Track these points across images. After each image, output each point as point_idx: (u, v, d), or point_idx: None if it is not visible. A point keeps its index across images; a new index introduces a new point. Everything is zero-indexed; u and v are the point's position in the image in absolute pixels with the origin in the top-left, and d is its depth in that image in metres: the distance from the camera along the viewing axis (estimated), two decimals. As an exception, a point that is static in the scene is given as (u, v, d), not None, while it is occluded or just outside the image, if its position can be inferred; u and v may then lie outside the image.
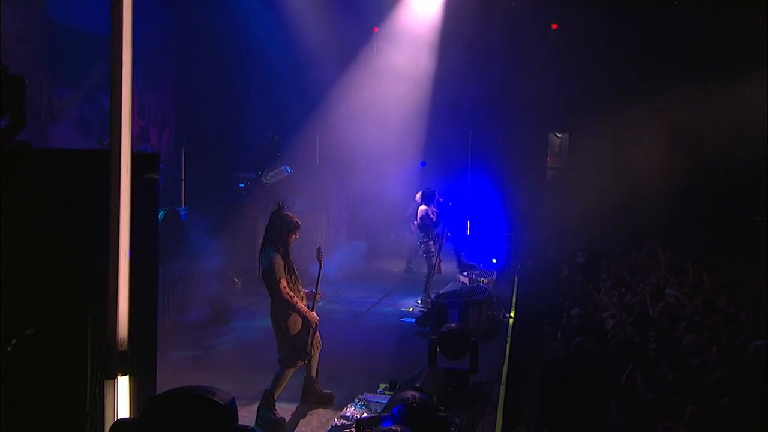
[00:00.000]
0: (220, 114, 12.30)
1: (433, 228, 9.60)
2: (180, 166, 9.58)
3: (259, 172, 11.31)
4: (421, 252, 9.79)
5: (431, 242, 9.60)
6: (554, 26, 15.02)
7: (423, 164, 13.79)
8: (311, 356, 5.60)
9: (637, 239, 12.59)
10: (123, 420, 2.92)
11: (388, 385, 6.10)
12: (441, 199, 9.98)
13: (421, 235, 9.67)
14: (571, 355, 6.16)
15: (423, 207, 9.67)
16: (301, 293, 5.52)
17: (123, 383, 3.06)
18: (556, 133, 17.27)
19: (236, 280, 9.93)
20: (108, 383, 3.03)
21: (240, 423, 2.83)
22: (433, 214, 9.60)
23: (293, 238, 5.51)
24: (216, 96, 12.24)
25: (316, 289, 5.60)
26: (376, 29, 14.00)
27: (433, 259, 9.62)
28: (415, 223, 9.82)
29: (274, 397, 5.40)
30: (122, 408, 3.08)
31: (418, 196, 9.87)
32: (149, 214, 3.47)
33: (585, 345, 6.28)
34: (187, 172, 9.58)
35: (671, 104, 13.71)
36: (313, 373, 5.83)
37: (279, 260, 5.34)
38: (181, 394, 2.60)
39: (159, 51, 11.46)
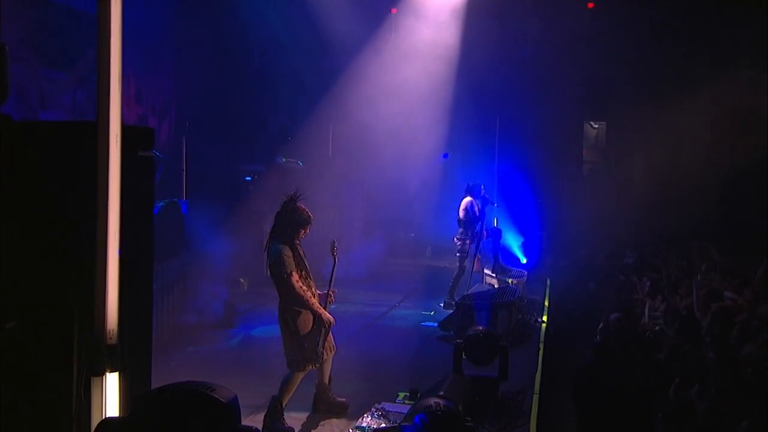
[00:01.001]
0: (225, 102, 12.25)
1: (475, 224, 9.51)
2: (181, 156, 9.55)
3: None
4: (456, 250, 9.66)
5: (468, 241, 9.48)
6: (590, 5, 14.81)
7: (445, 156, 13.68)
8: (323, 360, 5.48)
9: (682, 239, 12.33)
10: (110, 419, 2.82)
11: (408, 393, 6.00)
12: (488, 196, 9.89)
13: (460, 231, 9.57)
14: (593, 358, 6.00)
15: (468, 198, 9.59)
16: (313, 290, 5.41)
17: (113, 380, 2.97)
18: (592, 123, 17.01)
19: (242, 280, 9.88)
20: (96, 380, 2.94)
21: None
22: (477, 209, 9.52)
23: (303, 233, 5.38)
24: (220, 82, 12.20)
25: (330, 287, 5.48)
26: (394, 11, 13.90)
27: (466, 260, 9.53)
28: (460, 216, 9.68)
29: (282, 405, 5.30)
30: (113, 408, 2.99)
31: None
32: (143, 194, 3.36)
33: (605, 346, 6.12)
34: (188, 163, 9.54)
35: (721, 91, 13.39)
36: (326, 380, 5.72)
37: (288, 252, 5.23)
38: (174, 390, 2.48)
39: (158, 33, 11.42)
